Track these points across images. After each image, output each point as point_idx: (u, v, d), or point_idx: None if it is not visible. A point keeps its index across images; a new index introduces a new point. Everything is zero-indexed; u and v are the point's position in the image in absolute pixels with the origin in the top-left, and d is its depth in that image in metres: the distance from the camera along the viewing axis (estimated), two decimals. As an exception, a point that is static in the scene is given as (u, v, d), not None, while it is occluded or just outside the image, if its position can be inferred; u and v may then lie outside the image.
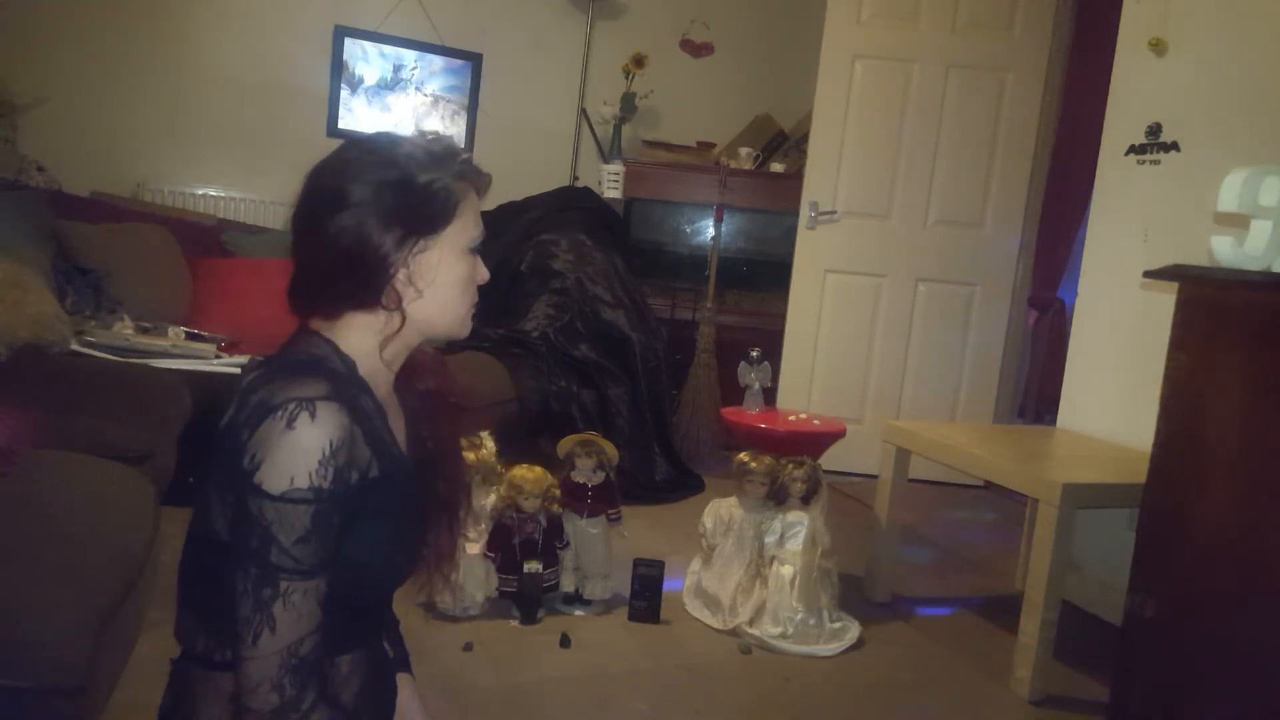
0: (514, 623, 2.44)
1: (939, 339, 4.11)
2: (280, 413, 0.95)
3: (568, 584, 2.56)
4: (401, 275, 1.05)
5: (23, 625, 1.30)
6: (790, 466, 2.57)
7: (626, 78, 4.66)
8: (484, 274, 1.14)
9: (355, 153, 1.07)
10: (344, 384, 1.03)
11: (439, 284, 1.08)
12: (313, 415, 0.96)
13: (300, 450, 0.95)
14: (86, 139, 3.97)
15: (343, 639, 1.04)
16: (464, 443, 1.28)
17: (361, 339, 1.07)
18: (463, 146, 1.15)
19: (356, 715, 1.06)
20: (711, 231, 4.35)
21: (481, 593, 2.43)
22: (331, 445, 0.96)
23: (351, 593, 1.02)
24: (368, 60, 4.45)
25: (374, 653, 1.19)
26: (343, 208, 1.03)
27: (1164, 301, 2.16)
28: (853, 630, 2.51)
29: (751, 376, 3.30)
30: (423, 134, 1.10)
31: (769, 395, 3.42)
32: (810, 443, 3.08)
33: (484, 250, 1.14)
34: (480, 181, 1.12)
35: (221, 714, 1.03)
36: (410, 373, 1.18)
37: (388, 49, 4.47)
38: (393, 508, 1.07)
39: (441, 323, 1.11)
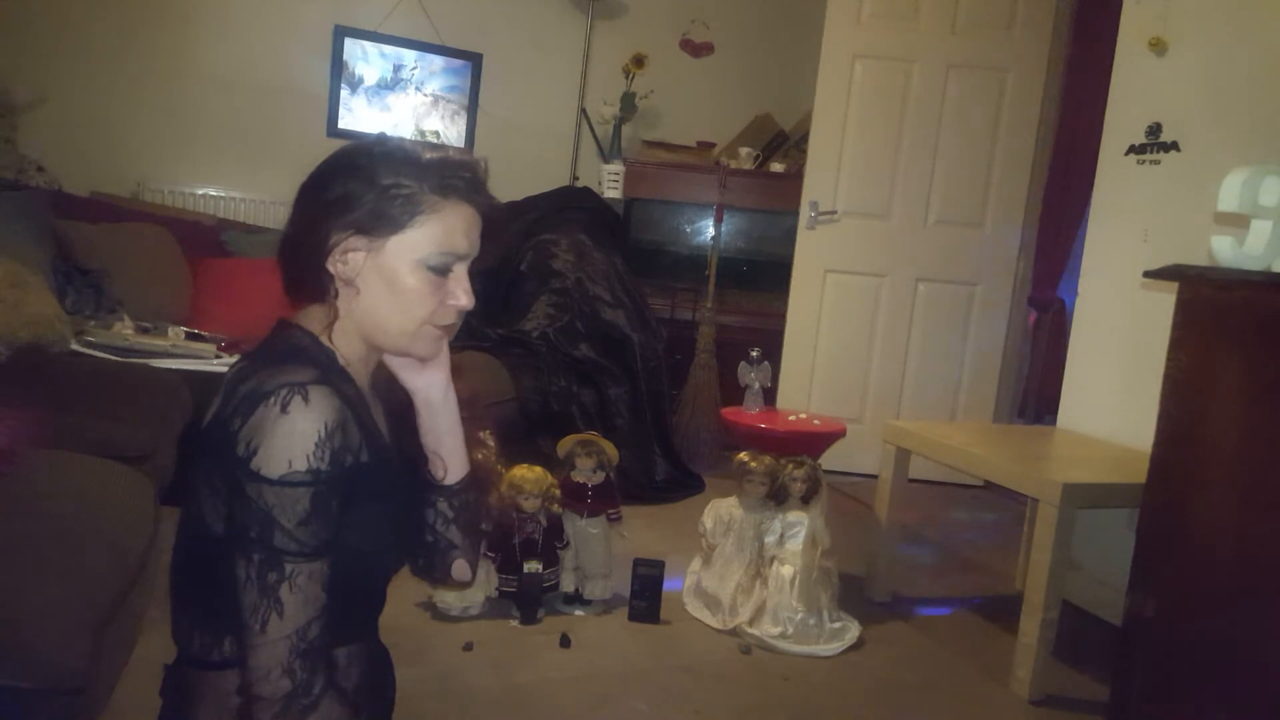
0: (514, 623, 2.44)
1: (939, 339, 4.11)
2: (273, 398, 0.96)
3: (568, 584, 2.57)
4: (333, 267, 1.05)
5: (23, 625, 1.30)
6: (790, 466, 2.57)
7: (626, 78, 4.66)
8: (461, 300, 1.08)
9: (356, 146, 1.09)
10: (328, 371, 1.04)
11: (377, 288, 1.05)
12: (306, 399, 0.96)
13: (296, 433, 0.95)
14: (86, 139, 3.97)
15: (339, 631, 1.04)
16: (481, 437, 1.27)
17: (324, 332, 1.09)
18: (479, 166, 1.11)
19: (355, 707, 1.06)
20: (711, 231, 4.35)
21: (481, 593, 2.44)
22: (327, 427, 0.97)
23: (345, 581, 1.02)
24: (368, 60, 4.45)
25: (372, 645, 1.19)
26: (312, 188, 1.06)
27: (1164, 301, 2.16)
28: (853, 630, 2.51)
29: (751, 376, 3.30)
30: (435, 142, 1.10)
31: (769, 395, 3.42)
32: (810, 443, 3.08)
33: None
34: (478, 201, 1.09)
35: (221, 713, 1.03)
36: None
37: (388, 49, 4.47)
38: (384, 494, 1.07)
39: (383, 331, 1.08)
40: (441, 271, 1.06)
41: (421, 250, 1.05)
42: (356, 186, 1.04)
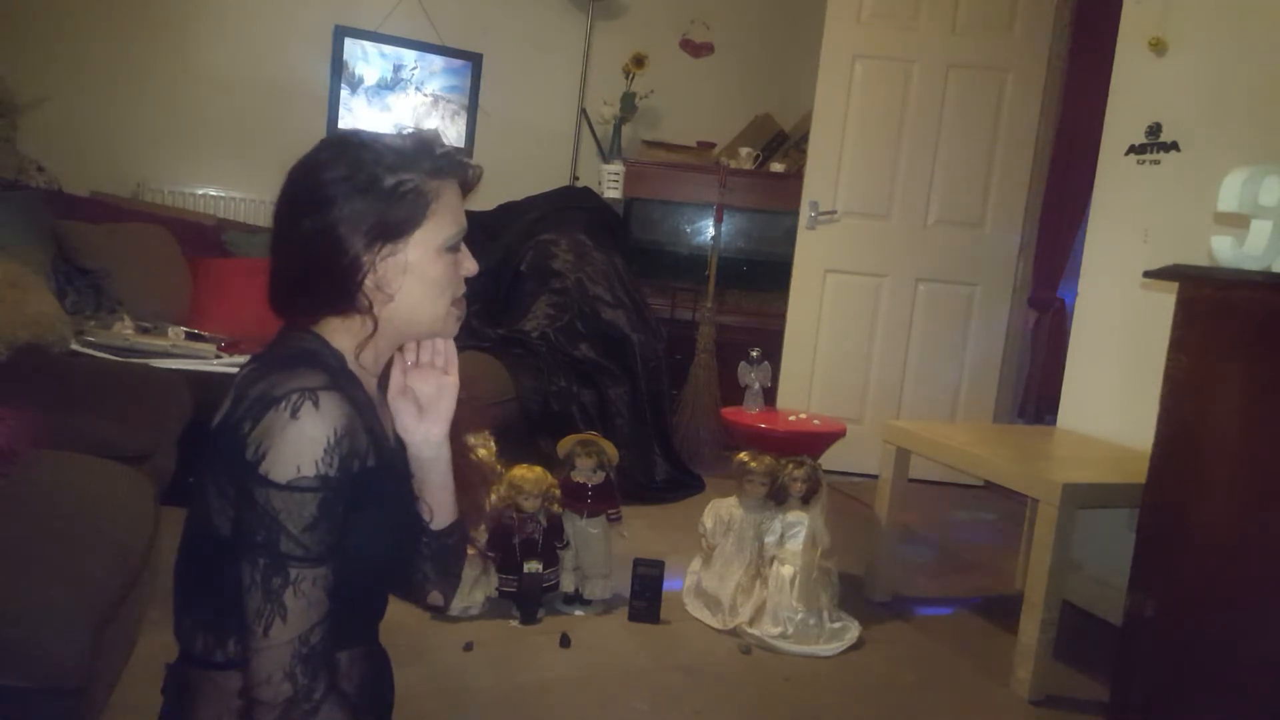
0: (514, 623, 2.44)
1: (939, 339, 4.12)
2: (284, 403, 0.96)
3: (568, 584, 2.57)
4: (369, 280, 1.04)
5: (23, 625, 1.30)
6: (790, 466, 2.57)
7: (626, 78, 4.66)
8: (470, 267, 1.11)
9: (327, 153, 1.06)
10: (338, 376, 1.03)
11: (410, 287, 1.06)
12: (316, 405, 0.96)
13: (306, 439, 0.95)
14: (86, 139, 3.97)
15: (342, 634, 1.04)
16: (474, 440, 1.26)
17: (341, 340, 1.08)
18: (442, 139, 1.11)
19: (356, 710, 1.06)
20: (711, 231, 4.35)
21: (481, 593, 2.44)
22: (336, 434, 0.97)
23: (349, 584, 1.02)
24: (368, 60, 4.45)
25: (373, 649, 1.19)
26: (311, 211, 1.03)
27: (1164, 301, 2.16)
28: (853, 630, 2.51)
29: (751, 376, 3.29)
30: (403, 130, 1.09)
31: (769, 395, 3.42)
32: (810, 443, 3.08)
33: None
34: (464, 173, 1.09)
35: (222, 713, 1.03)
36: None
37: (388, 49, 4.47)
38: (389, 498, 1.07)
39: (417, 324, 1.10)
40: (456, 250, 1.09)
41: (440, 236, 1.06)
42: (364, 198, 1.02)
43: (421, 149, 1.06)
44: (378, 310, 1.05)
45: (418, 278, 1.06)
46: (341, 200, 1.02)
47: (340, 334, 1.07)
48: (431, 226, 1.05)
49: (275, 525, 0.94)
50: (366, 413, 1.05)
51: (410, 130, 1.08)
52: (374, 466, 1.03)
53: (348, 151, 1.05)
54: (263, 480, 0.94)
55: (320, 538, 0.96)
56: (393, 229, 1.03)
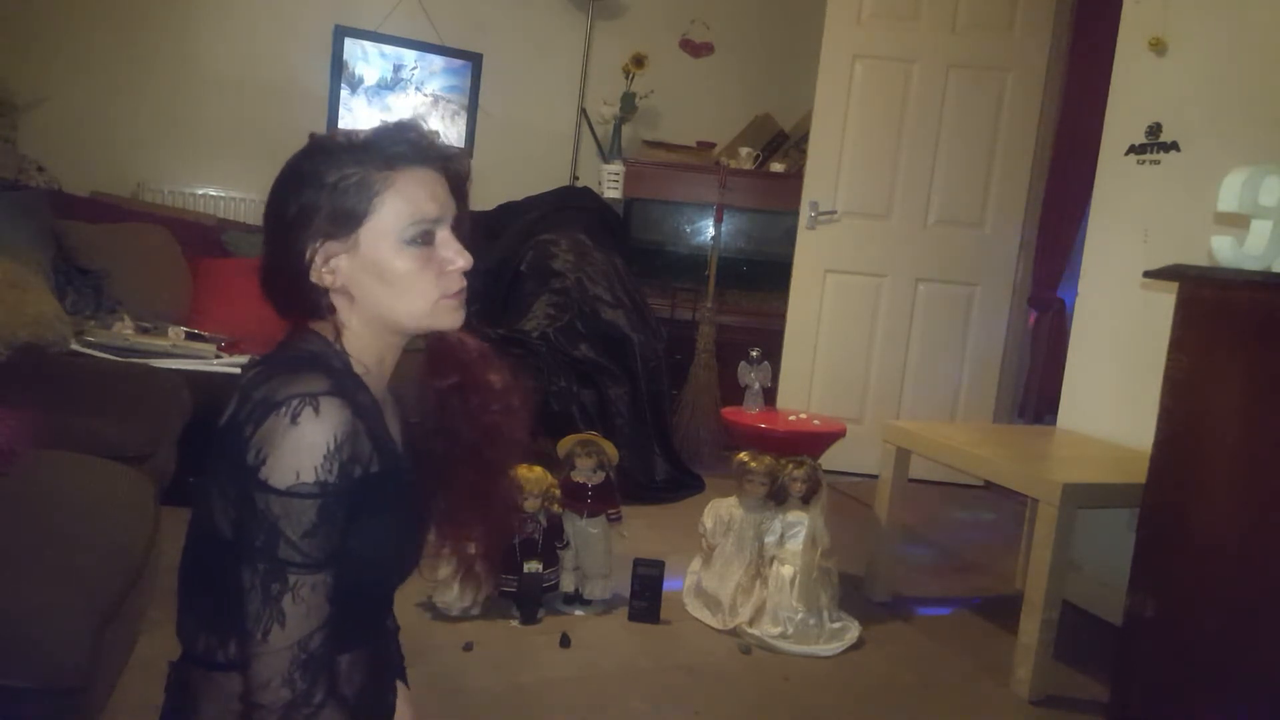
0: (514, 623, 2.44)
1: (939, 339, 4.12)
2: (284, 408, 0.95)
3: (568, 584, 2.57)
4: (328, 282, 1.03)
5: (23, 625, 1.30)
6: (790, 466, 2.57)
7: (626, 78, 4.66)
8: (457, 260, 1.05)
9: (295, 157, 1.05)
10: (342, 380, 1.03)
11: (369, 285, 1.03)
12: (316, 410, 0.95)
13: (305, 445, 0.94)
14: (86, 139, 3.97)
15: (344, 638, 1.04)
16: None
17: (345, 342, 1.07)
18: (415, 125, 1.05)
19: (356, 713, 1.06)
20: (711, 231, 4.35)
21: (482, 593, 2.44)
22: (336, 440, 0.96)
23: (352, 590, 1.01)
24: (368, 60, 4.45)
25: (375, 652, 1.18)
26: (270, 213, 1.04)
27: (1164, 301, 2.16)
28: (853, 630, 2.51)
29: (751, 376, 3.29)
30: (384, 122, 1.06)
31: (769, 395, 3.42)
32: (810, 443, 3.08)
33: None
34: (430, 158, 1.04)
35: (223, 714, 1.03)
36: (434, 369, 1.15)
37: (388, 49, 4.47)
38: (393, 504, 1.07)
39: (396, 322, 1.06)
40: (425, 241, 1.03)
41: (394, 229, 1.02)
42: (310, 194, 1.01)
43: (378, 139, 1.03)
44: (344, 313, 1.04)
45: (376, 275, 1.03)
46: (292, 200, 1.01)
47: (331, 336, 1.07)
48: (381, 220, 1.01)
49: (274, 531, 0.94)
50: (371, 417, 1.05)
51: (386, 122, 1.05)
52: (378, 472, 1.03)
53: (308, 151, 1.04)
54: (262, 485, 0.94)
55: (320, 544, 0.96)
56: (332, 227, 1.01)
